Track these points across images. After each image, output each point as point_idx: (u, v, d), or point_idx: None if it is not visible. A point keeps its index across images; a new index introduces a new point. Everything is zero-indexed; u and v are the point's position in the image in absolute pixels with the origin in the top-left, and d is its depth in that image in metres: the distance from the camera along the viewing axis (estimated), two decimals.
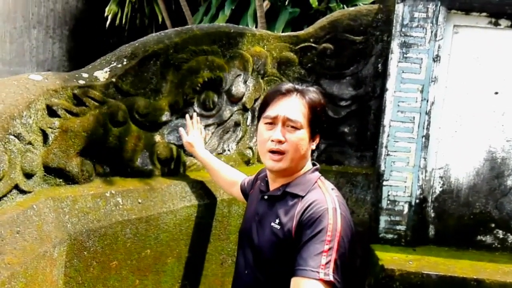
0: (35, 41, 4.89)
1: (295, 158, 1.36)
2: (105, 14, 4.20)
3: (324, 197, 1.31)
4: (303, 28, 3.16)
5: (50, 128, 1.62)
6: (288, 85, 1.40)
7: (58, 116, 1.65)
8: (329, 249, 1.22)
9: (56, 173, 1.66)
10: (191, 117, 2.05)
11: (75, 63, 4.98)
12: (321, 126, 1.41)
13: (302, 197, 1.33)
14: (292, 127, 1.35)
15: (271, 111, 1.36)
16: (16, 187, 1.45)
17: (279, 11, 3.59)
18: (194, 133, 2.01)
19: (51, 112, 1.64)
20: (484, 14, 2.54)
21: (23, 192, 1.49)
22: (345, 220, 1.27)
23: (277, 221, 1.34)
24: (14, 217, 1.36)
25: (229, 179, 1.89)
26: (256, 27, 3.45)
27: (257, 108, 2.53)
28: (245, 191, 1.74)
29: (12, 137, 1.42)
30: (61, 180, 1.67)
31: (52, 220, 1.50)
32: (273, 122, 1.36)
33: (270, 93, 1.42)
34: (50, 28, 4.87)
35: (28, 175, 1.52)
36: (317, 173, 1.43)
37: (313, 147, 1.41)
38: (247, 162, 2.49)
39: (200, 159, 2.00)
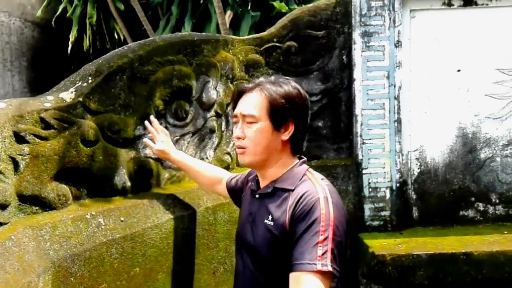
0: None
1: (257, 152, 1.36)
2: (70, 41, 4.11)
3: (314, 188, 1.30)
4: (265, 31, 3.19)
5: (20, 155, 1.57)
6: (252, 82, 1.41)
7: (27, 142, 1.60)
8: (324, 239, 1.21)
9: (32, 201, 1.59)
10: (150, 123, 1.88)
11: (37, 93, 4.84)
12: (286, 115, 1.34)
13: (292, 190, 1.32)
14: (248, 122, 1.35)
15: (235, 110, 1.41)
16: None
17: (242, 17, 3.60)
18: (161, 138, 1.85)
19: (19, 138, 1.58)
20: None
21: None
22: (338, 208, 1.27)
23: (270, 217, 1.33)
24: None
25: (211, 176, 1.84)
26: None
27: (230, 113, 2.52)
28: (234, 191, 1.69)
29: None
30: (37, 207, 1.61)
31: (33, 249, 1.44)
32: (237, 121, 1.39)
33: (235, 93, 1.45)
34: (8, 61, 4.73)
35: (2, 206, 1.46)
36: (304, 166, 1.41)
37: (285, 137, 1.36)
38: (227, 168, 2.46)
39: (176, 163, 1.90)
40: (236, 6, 3.64)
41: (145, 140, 1.89)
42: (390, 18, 2.58)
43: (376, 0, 2.57)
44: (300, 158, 1.44)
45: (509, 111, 2.69)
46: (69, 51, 4.25)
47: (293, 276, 1.22)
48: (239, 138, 1.37)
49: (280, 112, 1.34)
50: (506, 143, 2.71)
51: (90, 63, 2.02)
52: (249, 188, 1.51)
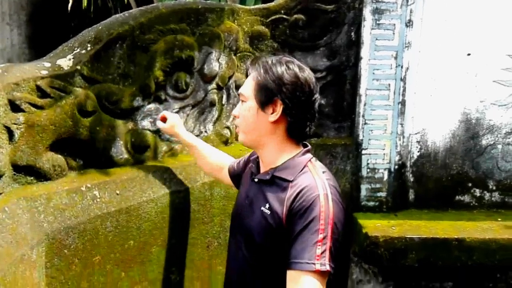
0: None
1: (246, 130, 1.37)
2: None
3: (314, 182, 1.27)
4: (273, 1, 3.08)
5: (15, 124, 1.53)
6: (260, 60, 1.37)
7: (23, 111, 1.56)
8: (323, 238, 1.20)
9: (26, 171, 1.58)
10: (149, 94, 1.95)
11: (36, 49, 4.75)
12: (270, 95, 1.30)
13: (291, 181, 1.29)
14: (242, 101, 1.38)
15: (240, 90, 1.43)
16: None
17: None
18: (172, 114, 1.92)
19: (14, 107, 1.54)
20: None
21: None
22: (337, 204, 1.25)
23: (267, 205, 1.31)
24: None
25: (217, 163, 1.81)
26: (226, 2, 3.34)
27: (232, 86, 2.47)
28: (236, 174, 1.67)
29: None
30: (32, 178, 1.60)
31: (26, 221, 1.44)
32: (242, 100, 1.41)
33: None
34: (6, 14, 4.60)
35: None
36: (308, 155, 1.37)
37: (272, 119, 1.32)
38: (225, 142, 2.44)
39: (185, 142, 1.89)
40: None
41: (160, 114, 1.92)
42: None
43: None
44: (305, 146, 1.40)
45: None
46: (69, 9, 4.12)
47: (291, 274, 1.21)
48: (235, 116, 1.42)
49: (263, 91, 1.32)
50: (510, 130, 2.67)
51: (89, 29, 1.96)
52: (249, 169, 1.50)
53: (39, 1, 4.75)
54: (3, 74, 1.55)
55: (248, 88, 1.35)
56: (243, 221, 1.40)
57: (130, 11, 2.07)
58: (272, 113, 1.32)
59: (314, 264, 1.18)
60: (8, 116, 1.51)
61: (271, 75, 1.31)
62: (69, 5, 4.02)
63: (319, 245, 1.19)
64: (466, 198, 2.75)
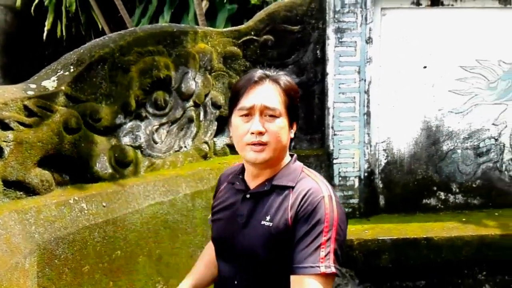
0: None
1: (277, 148, 1.25)
2: (46, 27, 4.07)
3: (318, 186, 1.24)
4: (242, 23, 3.26)
5: (5, 141, 1.61)
6: (259, 72, 1.28)
7: (11, 129, 1.64)
8: (327, 240, 1.17)
9: (16, 186, 1.65)
10: (130, 112, 1.86)
11: (10, 79, 4.77)
12: (297, 112, 1.32)
13: (293, 187, 1.25)
14: (271, 115, 1.23)
15: (245, 101, 1.24)
16: None
17: (218, 9, 3.67)
18: None
19: (4, 125, 1.62)
20: None
21: None
22: (339, 206, 1.23)
23: (268, 218, 1.24)
24: None
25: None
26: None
27: (208, 103, 2.60)
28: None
29: None
30: (21, 192, 1.66)
31: (19, 232, 1.50)
32: (249, 113, 1.24)
33: (241, 83, 1.28)
34: None
35: None
36: (299, 162, 1.35)
37: (292, 135, 1.30)
38: (204, 157, 2.55)
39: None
40: None
41: None
42: (362, 16, 2.71)
43: None
44: (291, 155, 1.37)
45: (470, 106, 2.88)
46: (44, 38, 4.20)
47: (296, 279, 1.17)
48: (260, 133, 1.22)
49: (295, 108, 1.30)
50: (467, 136, 2.90)
51: (71, 52, 2.06)
52: (232, 188, 1.36)
53: (11, 31, 4.80)
54: None
55: (279, 102, 1.24)
56: (238, 243, 1.28)
57: (110, 35, 2.19)
58: (292, 129, 1.30)
59: (319, 267, 1.14)
60: None
61: (295, 92, 1.29)
62: (44, 34, 4.10)
63: (323, 248, 1.16)
64: (432, 201, 2.93)
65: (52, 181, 1.77)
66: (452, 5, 2.80)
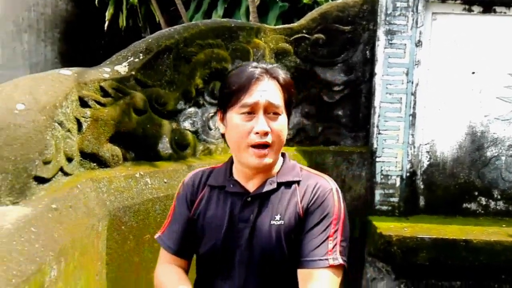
0: (27, 45, 4.97)
1: (279, 149, 1.21)
2: (106, 18, 4.33)
3: (323, 179, 1.24)
4: (292, 21, 3.38)
5: (83, 117, 1.79)
6: (257, 67, 1.21)
7: (89, 107, 1.82)
8: (335, 231, 1.17)
9: (90, 158, 1.83)
10: (190, 99, 1.73)
11: (67, 65, 5.07)
12: (292, 108, 1.27)
13: (298, 182, 1.23)
14: (275, 113, 1.17)
15: (248, 98, 1.15)
16: (61, 169, 1.62)
17: (270, 6, 3.80)
18: None
19: (83, 103, 1.81)
20: (459, 1, 2.80)
21: (66, 174, 1.66)
22: (343, 199, 1.24)
23: (278, 216, 1.20)
24: (65, 194, 1.53)
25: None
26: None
27: None
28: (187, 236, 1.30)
29: (56, 124, 1.59)
30: (95, 164, 1.85)
31: (94, 198, 1.68)
32: (251, 111, 1.16)
33: (240, 78, 1.18)
34: (42, 31, 4.96)
35: (69, 159, 1.69)
36: (291, 159, 1.32)
37: (288, 131, 1.27)
38: None
39: None
40: None
41: None
42: (413, 19, 2.76)
43: (401, 1, 2.75)
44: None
45: None
46: (105, 28, 4.46)
47: (304, 273, 1.16)
48: (266, 133, 1.15)
49: (291, 103, 1.25)
50: None
51: (139, 41, 2.24)
52: (218, 193, 1.26)
53: (72, 20, 5.11)
54: (73, 75, 1.81)
55: (280, 100, 1.19)
56: (246, 251, 1.21)
57: (175, 27, 2.35)
58: (288, 125, 1.25)
59: (327, 259, 1.13)
60: (78, 110, 1.77)
61: (292, 87, 1.24)
62: (106, 24, 4.36)
63: (331, 240, 1.15)
64: (473, 206, 2.95)
65: (121, 156, 1.94)
66: (505, 12, 2.81)
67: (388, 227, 2.66)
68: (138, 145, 2.02)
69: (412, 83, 2.80)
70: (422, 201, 2.94)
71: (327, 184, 1.22)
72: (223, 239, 1.21)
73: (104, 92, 1.89)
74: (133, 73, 2.03)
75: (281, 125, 1.18)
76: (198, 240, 1.25)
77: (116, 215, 1.72)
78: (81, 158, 1.79)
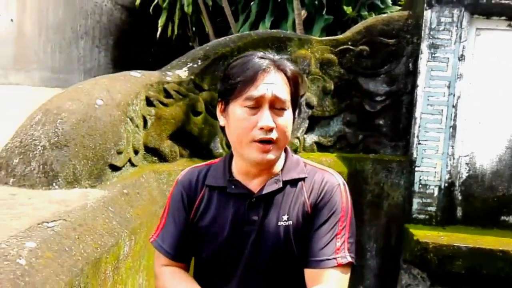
0: (83, 51, 5.31)
1: (284, 145, 1.14)
2: (159, 25, 4.61)
3: (329, 174, 1.19)
4: (336, 33, 3.51)
5: (149, 115, 1.99)
6: (264, 58, 1.13)
7: (154, 106, 2.02)
8: (342, 229, 1.13)
9: (152, 152, 2.02)
10: None
11: (119, 69, 5.39)
12: (298, 102, 1.20)
13: (304, 179, 1.17)
14: (280, 108, 1.11)
15: (254, 91, 1.08)
16: (129, 160, 1.81)
17: (315, 19, 3.95)
18: None
19: (149, 102, 2.00)
20: (504, 18, 2.86)
21: (133, 165, 1.85)
22: (350, 193, 1.19)
23: (285, 217, 1.15)
24: (133, 182, 1.72)
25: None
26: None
27: (303, 103, 2.88)
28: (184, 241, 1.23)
29: (128, 119, 1.78)
30: (155, 158, 2.04)
31: (155, 188, 1.86)
32: (256, 105, 1.09)
33: (247, 70, 1.10)
34: (97, 38, 5.30)
35: (136, 152, 1.88)
36: (294, 154, 1.26)
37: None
38: (295, 151, 2.82)
39: None
40: (312, 7, 3.99)
41: None
42: (457, 34, 2.84)
43: (446, 16, 2.84)
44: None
45: None
46: (157, 36, 4.74)
47: (312, 273, 1.12)
48: (271, 129, 1.08)
49: (297, 98, 1.18)
50: None
51: (197, 48, 2.44)
52: (219, 194, 1.19)
53: (125, 28, 5.44)
54: (142, 77, 2.02)
55: (287, 94, 1.12)
56: (252, 254, 1.16)
57: (230, 36, 2.54)
58: (294, 119, 1.18)
59: (335, 259, 1.10)
60: (145, 108, 1.97)
61: (300, 80, 1.17)
62: (158, 32, 4.63)
63: (338, 238, 1.12)
64: (511, 219, 2.97)
65: (178, 152, 2.13)
66: None
67: (425, 235, 2.73)
68: (194, 143, 2.20)
69: (454, 95, 2.88)
70: (459, 212, 2.98)
71: (334, 180, 1.17)
72: (227, 242, 1.15)
73: (166, 93, 2.09)
74: (192, 77, 2.22)
75: (287, 121, 1.11)
76: (199, 244, 1.18)
77: None
78: (144, 152, 1.98)
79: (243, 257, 1.16)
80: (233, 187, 1.16)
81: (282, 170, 1.17)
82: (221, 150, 2.32)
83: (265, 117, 1.07)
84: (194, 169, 1.25)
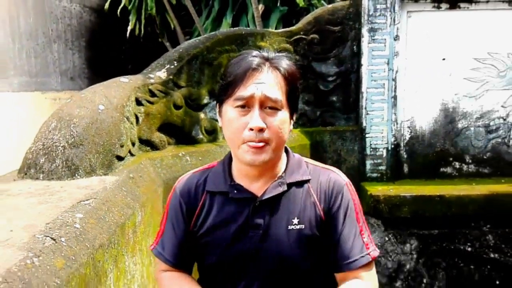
0: (57, 54, 5.59)
1: (278, 147, 1.11)
2: (129, 27, 4.94)
3: (334, 173, 1.19)
4: (291, 22, 3.97)
5: (139, 113, 2.42)
6: (257, 56, 1.10)
7: (142, 105, 2.44)
8: (362, 225, 1.14)
9: (145, 143, 2.45)
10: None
11: (94, 69, 5.72)
12: (298, 102, 1.17)
13: (309, 180, 1.16)
14: (272, 108, 1.08)
15: (243, 91, 1.06)
16: (129, 151, 2.25)
17: (272, 10, 4.38)
18: None
19: (138, 102, 2.42)
20: (429, 0, 3.37)
21: (132, 155, 2.28)
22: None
23: (296, 220, 1.12)
24: (135, 168, 2.16)
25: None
26: (254, 26, 4.26)
27: None
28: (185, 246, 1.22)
29: (125, 119, 2.21)
30: (148, 148, 2.47)
31: (152, 171, 2.31)
32: (247, 105, 1.07)
33: (236, 68, 1.09)
34: (69, 41, 5.58)
35: (133, 144, 2.31)
36: (293, 153, 1.24)
37: (291, 127, 1.17)
38: None
39: None
40: (268, 0, 4.42)
41: None
42: (391, 18, 3.35)
43: (381, 3, 3.33)
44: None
45: (482, 92, 3.47)
46: (127, 35, 5.08)
47: (347, 275, 1.13)
48: (261, 130, 1.05)
49: (296, 98, 1.15)
50: (479, 116, 3.50)
51: (172, 51, 2.85)
52: (221, 199, 1.16)
53: (95, 29, 5.73)
54: (129, 81, 2.43)
55: (281, 92, 1.09)
56: (259, 261, 1.13)
57: (199, 38, 2.96)
58: (292, 121, 1.17)
59: (368, 254, 1.13)
60: (136, 108, 2.39)
61: (297, 78, 1.13)
62: (127, 33, 4.97)
63: (363, 234, 1.13)
64: (449, 170, 3.56)
65: (166, 141, 2.57)
66: (468, 7, 3.38)
67: (377, 190, 3.28)
68: (178, 133, 2.64)
69: (393, 70, 3.40)
70: (405, 168, 3.55)
71: (340, 179, 1.17)
72: (231, 249, 1.13)
73: (151, 93, 2.51)
74: (171, 77, 2.65)
75: (280, 121, 1.08)
76: (202, 251, 1.17)
77: (168, 184, 2.34)
78: (139, 144, 2.41)
79: (249, 264, 1.12)
80: (235, 191, 1.13)
81: (285, 171, 1.15)
82: (201, 136, 2.77)
83: (255, 118, 1.04)
84: (192, 176, 1.23)
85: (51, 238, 1.28)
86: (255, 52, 1.12)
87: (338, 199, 1.13)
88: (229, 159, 1.20)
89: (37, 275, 1.12)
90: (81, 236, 1.39)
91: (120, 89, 2.31)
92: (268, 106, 1.07)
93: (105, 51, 5.70)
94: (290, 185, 1.13)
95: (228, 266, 1.14)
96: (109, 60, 5.67)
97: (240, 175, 1.15)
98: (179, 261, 1.21)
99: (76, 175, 1.93)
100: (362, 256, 1.12)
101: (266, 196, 1.12)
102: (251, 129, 1.05)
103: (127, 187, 1.95)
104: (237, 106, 1.07)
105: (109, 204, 1.70)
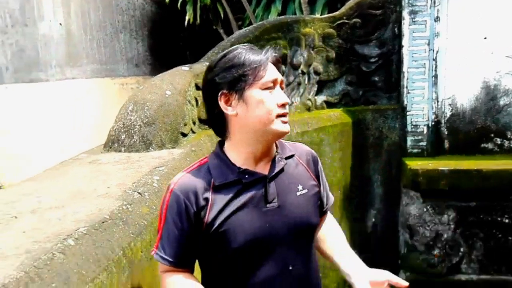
0: (123, 43, 6.16)
1: None
2: (187, 17, 5.39)
3: (304, 145, 1.46)
4: (336, 7, 4.19)
5: (198, 96, 2.81)
6: (252, 48, 1.32)
7: (200, 89, 2.83)
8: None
9: (203, 122, 2.85)
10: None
11: (156, 56, 6.25)
12: None
13: (294, 154, 1.37)
14: (281, 87, 1.30)
15: (269, 75, 1.24)
16: (191, 129, 2.66)
17: None
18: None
19: (197, 87, 2.82)
20: None
21: (193, 132, 2.69)
22: None
23: (300, 186, 1.31)
24: (196, 143, 2.57)
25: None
26: (301, 11, 4.52)
27: (311, 71, 3.63)
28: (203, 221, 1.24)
29: (187, 102, 2.62)
30: (206, 126, 2.87)
31: (210, 145, 2.70)
32: (272, 87, 1.24)
33: (254, 59, 1.24)
34: (133, 31, 6.13)
35: (194, 123, 2.72)
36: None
37: None
38: (308, 109, 3.61)
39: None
40: None
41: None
42: (431, 0, 3.49)
43: None
44: None
45: None
46: (185, 24, 5.53)
47: (325, 217, 1.50)
48: (286, 104, 1.26)
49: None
50: None
51: (225, 40, 3.22)
52: (231, 188, 1.23)
53: (156, 19, 6.24)
54: (190, 70, 2.83)
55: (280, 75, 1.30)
56: (282, 228, 1.26)
57: (248, 27, 3.30)
58: None
59: (332, 196, 1.51)
60: (195, 92, 2.79)
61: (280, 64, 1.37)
62: (186, 22, 5.41)
63: (327, 184, 1.48)
64: (490, 145, 3.68)
65: None
66: None
67: (416, 164, 3.49)
68: None
69: (433, 51, 3.56)
70: (446, 144, 3.71)
71: (311, 150, 1.44)
72: (255, 228, 1.23)
73: None
74: None
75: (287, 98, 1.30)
76: (221, 241, 1.22)
77: None
78: (199, 123, 2.82)
79: (276, 237, 1.24)
80: (246, 176, 1.24)
81: (277, 149, 1.33)
82: None
83: (283, 95, 1.25)
84: (189, 176, 1.28)
85: (138, 192, 1.71)
86: (247, 45, 1.33)
87: (318, 164, 1.40)
88: (221, 153, 1.30)
89: (131, 217, 1.54)
90: (158, 192, 1.81)
91: (182, 76, 2.71)
92: (282, 86, 1.29)
93: (165, 39, 6.20)
94: (286, 159, 1.32)
95: (258, 247, 1.23)
96: (169, 47, 6.16)
97: (245, 161, 1.26)
98: (182, 260, 1.26)
99: (150, 148, 2.36)
100: (331, 202, 1.48)
101: (274, 172, 1.27)
102: (282, 105, 1.24)
103: (190, 157, 2.36)
104: (266, 88, 1.22)
105: (177, 170, 2.11)
